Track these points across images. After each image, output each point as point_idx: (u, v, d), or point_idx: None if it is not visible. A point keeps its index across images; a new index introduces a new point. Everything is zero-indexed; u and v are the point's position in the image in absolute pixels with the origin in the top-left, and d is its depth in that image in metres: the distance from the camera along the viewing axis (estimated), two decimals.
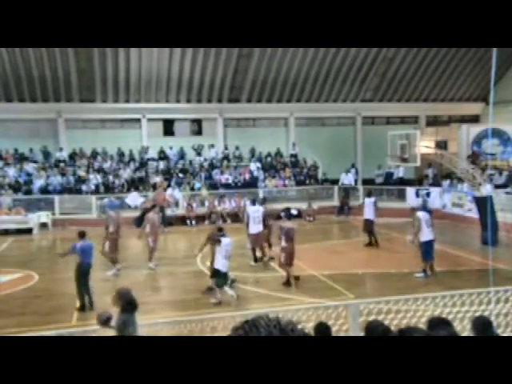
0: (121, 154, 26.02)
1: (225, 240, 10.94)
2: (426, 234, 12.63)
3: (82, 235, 11.02)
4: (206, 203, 22.71)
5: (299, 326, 1.54)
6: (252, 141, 27.59)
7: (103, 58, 23.67)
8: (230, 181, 25.31)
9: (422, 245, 12.60)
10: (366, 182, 26.55)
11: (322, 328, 4.82)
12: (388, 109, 29.36)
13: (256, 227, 14.11)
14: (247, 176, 25.68)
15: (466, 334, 5.69)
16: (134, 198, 22.21)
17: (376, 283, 12.37)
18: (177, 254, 16.71)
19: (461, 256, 14.91)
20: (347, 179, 25.35)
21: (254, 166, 26.25)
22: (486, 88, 29.18)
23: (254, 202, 15.43)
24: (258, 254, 14.37)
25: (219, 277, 10.72)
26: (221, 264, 10.72)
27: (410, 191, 23.25)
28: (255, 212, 14.40)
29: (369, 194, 17.32)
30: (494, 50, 3.67)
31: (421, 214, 12.92)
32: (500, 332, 6.42)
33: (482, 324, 4.49)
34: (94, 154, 25.68)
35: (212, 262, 11.34)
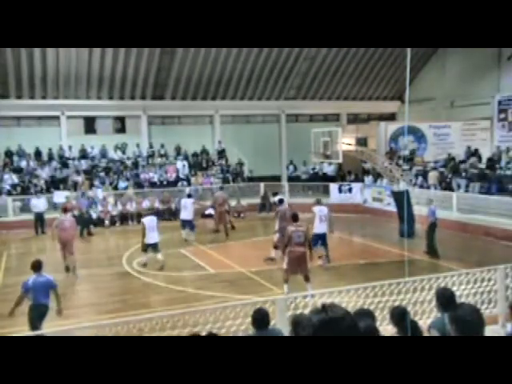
0: (37, 153, 24.78)
1: (147, 219, 13.89)
2: (317, 227, 13.53)
3: (36, 267, 8.41)
4: (133, 203, 22.19)
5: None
6: (177, 138, 27.29)
7: (17, 52, 22.43)
8: (156, 179, 24.93)
9: (313, 236, 13.26)
10: (291, 178, 27.14)
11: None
12: (311, 107, 30.12)
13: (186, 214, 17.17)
14: (173, 174, 25.41)
15: (386, 322, 5.99)
16: (60, 195, 21.51)
17: (302, 277, 12.61)
18: (101, 256, 16.23)
19: (380, 248, 15.60)
20: None
21: (180, 164, 26.00)
22: (401, 87, 30.68)
23: (189, 196, 18.32)
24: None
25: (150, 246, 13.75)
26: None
27: (333, 187, 24.01)
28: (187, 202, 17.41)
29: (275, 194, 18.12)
30: (408, 51, 3.86)
31: (317, 209, 13.77)
32: (417, 319, 6.79)
33: (398, 313, 4.79)
34: (9, 153, 24.31)
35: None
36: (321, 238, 13.62)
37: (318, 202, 14.40)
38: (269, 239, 17.28)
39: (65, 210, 14.56)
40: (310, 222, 13.44)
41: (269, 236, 17.86)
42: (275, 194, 17.80)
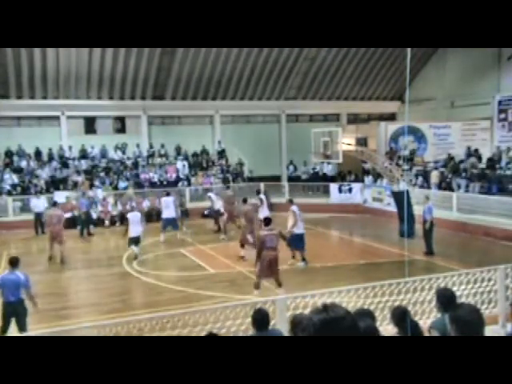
0: (38, 153, 24.77)
1: (131, 214, 15.00)
2: (299, 227, 13.38)
3: (12, 263, 8.22)
4: (133, 203, 22.12)
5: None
6: (177, 139, 27.29)
7: (17, 52, 22.43)
8: (156, 179, 24.93)
9: (294, 236, 13.19)
10: (291, 178, 27.16)
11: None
12: (311, 107, 30.11)
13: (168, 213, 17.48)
14: (173, 174, 25.42)
15: (386, 322, 5.99)
16: (60, 195, 21.53)
17: (302, 277, 12.64)
18: (101, 256, 16.22)
19: (380, 248, 15.60)
20: None
21: (180, 165, 26.00)
22: (401, 87, 30.68)
23: (168, 194, 18.49)
24: None
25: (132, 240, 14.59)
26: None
27: (334, 187, 24.01)
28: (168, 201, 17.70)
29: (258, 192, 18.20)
30: (408, 51, 3.86)
31: (295, 208, 13.59)
32: (417, 319, 6.79)
33: (399, 313, 4.76)
34: (9, 153, 24.31)
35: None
36: (302, 238, 13.50)
37: (292, 202, 14.26)
38: None
39: (54, 204, 16.18)
40: (295, 222, 13.34)
41: None
42: (258, 193, 17.82)
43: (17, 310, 8.04)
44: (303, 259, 13.48)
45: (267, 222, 10.96)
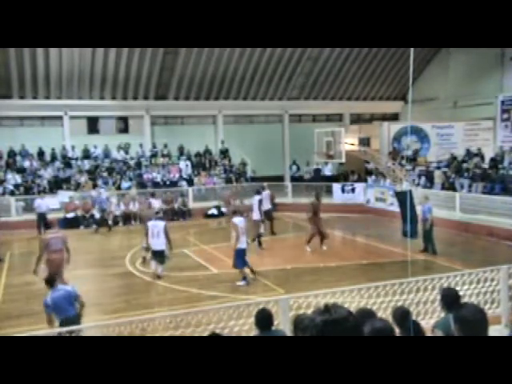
0: (40, 153, 24.82)
1: (150, 223, 12.79)
2: (242, 242, 11.89)
3: (49, 282, 7.87)
4: (137, 203, 22.17)
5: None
6: (180, 139, 27.33)
7: (20, 52, 22.49)
8: (159, 179, 24.95)
9: (236, 252, 11.93)
10: (294, 178, 27.16)
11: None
12: (314, 107, 30.10)
13: None
14: (176, 174, 25.44)
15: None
16: (63, 195, 21.52)
17: (305, 278, 12.63)
18: (104, 256, 16.25)
19: (383, 248, 15.57)
20: None
21: (183, 164, 26.03)
22: (404, 87, 30.65)
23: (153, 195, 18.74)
24: None
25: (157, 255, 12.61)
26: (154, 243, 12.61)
27: (336, 187, 23.98)
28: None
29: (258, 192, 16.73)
30: (411, 51, 3.86)
31: (237, 220, 12.05)
32: (419, 319, 6.78)
33: (401, 314, 4.75)
34: (12, 153, 24.37)
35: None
36: (243, 254, 12.02)
37: (235, 213, 12.63)
38: (272, 239, 17.33)
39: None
40: (238, 236, 11.84)
41: (272, 236, 17.88)
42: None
43: None
44: (244, 278, 11.92)
45: (48, 226, 10.81)
